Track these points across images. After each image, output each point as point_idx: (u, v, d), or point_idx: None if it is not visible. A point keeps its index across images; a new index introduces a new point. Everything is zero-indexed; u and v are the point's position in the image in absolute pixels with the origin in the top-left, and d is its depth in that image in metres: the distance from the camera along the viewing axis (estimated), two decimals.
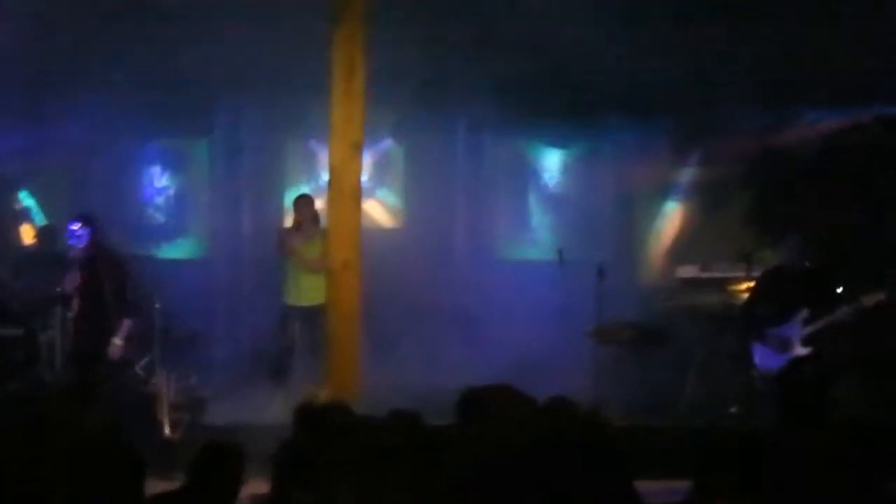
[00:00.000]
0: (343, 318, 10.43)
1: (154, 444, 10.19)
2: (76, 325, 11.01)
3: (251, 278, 13.58)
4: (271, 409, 11.06)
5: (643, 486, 5.73)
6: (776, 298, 10.62)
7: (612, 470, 5.67)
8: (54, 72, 13.08)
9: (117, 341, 10.73)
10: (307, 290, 12.18)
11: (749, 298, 11.25)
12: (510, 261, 15.48)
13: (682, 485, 5.39)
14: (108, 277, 10.80)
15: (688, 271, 13.36)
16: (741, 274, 12.35)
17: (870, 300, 10.08)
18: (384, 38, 10.77)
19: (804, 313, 10.35)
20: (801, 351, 10.37)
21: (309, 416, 6.20)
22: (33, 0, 11.81)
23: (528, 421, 6.01)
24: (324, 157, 10.88)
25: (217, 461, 6.11)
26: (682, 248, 14.91)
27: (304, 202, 12.89)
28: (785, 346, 10.45)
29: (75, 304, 10.95)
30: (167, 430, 10.92)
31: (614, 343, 12.66)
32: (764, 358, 10.63)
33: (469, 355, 12.83)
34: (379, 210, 15.31)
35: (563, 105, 14.04)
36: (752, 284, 11.73)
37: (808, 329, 10.31)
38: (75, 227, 10.91)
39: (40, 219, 14.57)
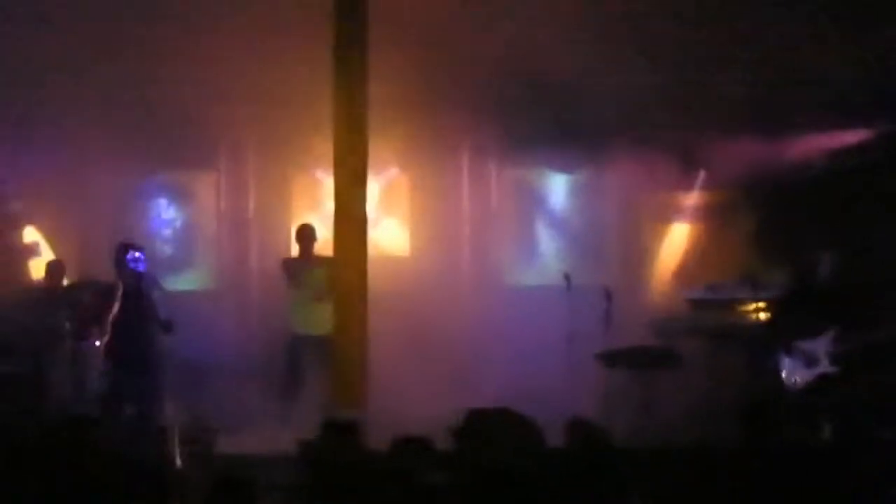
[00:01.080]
0: (350, 347, 10.43)
1: (165, 476, 10.17)
2: (120, 350, 11.28)
3: (259, 308, 13.57)
4: (281, 440, 11.08)
5: None
6: (806, 312, 10.58)
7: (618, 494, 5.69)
8: (58, 103, 13.10)
9: None
10: (314, 320, 12.19)
11: (779, 311, 11.18)
12: (517, 287, 15.46)
13: None
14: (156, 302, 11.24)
15: (695, 293, 13.32)
16: (748, 295, 12.34)
17: None
18: (386, 67, 10.80)
19: (834, 330, 10.33)
20: (828, 368, 10.34)
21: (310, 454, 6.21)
22: (34, 32, 11.90)
23: (528, 444, 6.03)
24: (330, 187, 10.87)
25: (231, 495, 6.10)
26: (689, 270, 14.92)
27: (305, 232, 12.95)
28: (812, 361, 10.42)
29: (119, 329, 11.28)
30: (178, 462, 10.89)
31: (623, 367, 12.61)
32: (791, 372, 10.59)
33: (478, 381, 12.84)
34: (386, 238, 15.31)
35: (567, 130, 14.06)
36: (760, 304, 11.75)
37: (836, 347, 10.29)
38: (136, 253, 11.34)
39: (47, 254, 14.57)
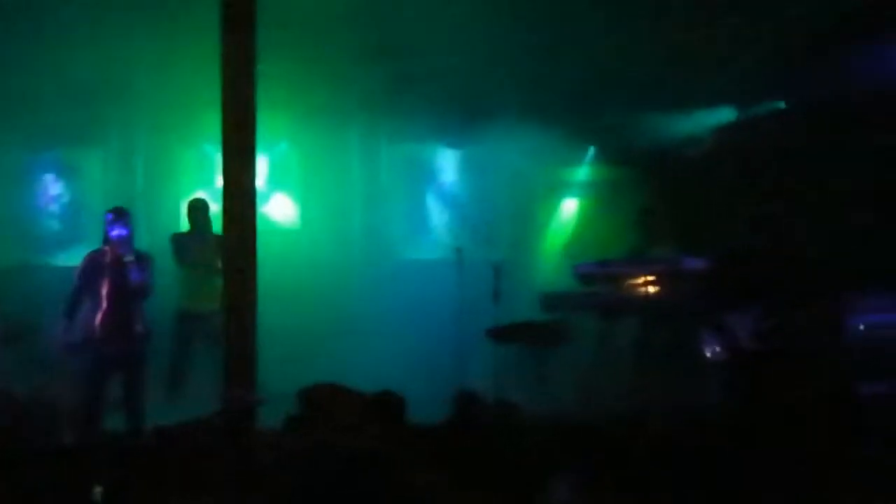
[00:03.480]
0: (239, 322, 10.34)
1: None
2: (106, 328, 10.79)
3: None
4: (168, 416, 11.02)
5: None
6: (731, 287, 10.59)
7: None
8: None
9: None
10: (203, 295, 12.13)
11: (706, 284, 11.14)
12: (409, 261, 15.50)
13: None
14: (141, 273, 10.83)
15: (586, 268, 13.39)
16: (637, 269, 12.45)
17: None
18: (275, 42, 10.74)
19: (758, 307, 10.38)
20: (750, 345, 10.39)
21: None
22: None
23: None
24: (219, 162, 10.78)
25: None
26: (580, 246, 15.04)
27: (197, 206, 12.84)
28: (734, 338, 10.45)
29: (104, 304, 10.78)
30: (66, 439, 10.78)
31: (514, 343, 12.66)
32: (712, 347, 10.62)
33: (368, 356, 12.85)
34: (275, 212, 15.25)
35: (457, 106, 14.09)
36: (648, 279, 11.89)
37: (759, 324, 10.33)
38: (120, 218, 10.90)
39: None
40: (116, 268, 10.76)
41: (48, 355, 11.28)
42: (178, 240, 12.75)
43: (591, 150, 15.40)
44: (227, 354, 10.41)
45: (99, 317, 10.73)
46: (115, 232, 10.78)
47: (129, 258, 10.72)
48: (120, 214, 10.93)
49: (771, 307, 10.26)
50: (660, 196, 14.01)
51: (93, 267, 10.84)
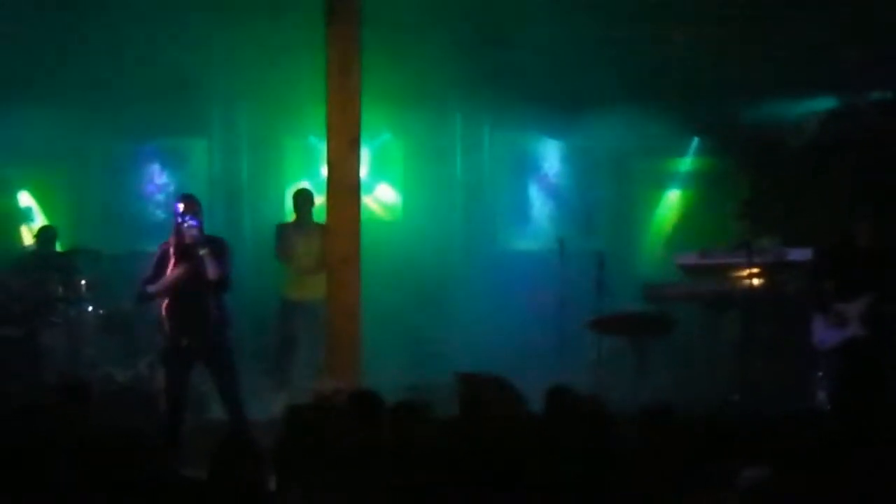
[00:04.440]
0: (343, 313, 10.42)
1: (157, 440, 10.16)
2: (177, 321, 10.07)
3: (252, 274, 13.56)
4: (272, 405, 11.11)
5: None
6: (842, 273, 10.54)
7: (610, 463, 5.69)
8: (49, 71, 13.08)
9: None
10: (307, 285, 12.19)
11: (815, 272, 11.09)
12: (511, 252, 15.51)
13: None
14: (218, 262, 10.04)
15: (688, 258, 13.31)
16: (741, 260, 12.35)
17: None
18: (379, 32, 10.80)
19: (869, 293, 10.32)
20: (859, 330, 10.32)
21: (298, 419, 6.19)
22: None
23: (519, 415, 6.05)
24: (323, 153, 10.84)
25: (239, 458, 6.04)
26: (682, 236, 14.98)
27: (303, 197, 12.90)
28: (844, 323, 10.39)
29: (173, 297, 10.04)
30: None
31: (615, 334, 12.63)
32: (821, 333, 10.56)
33: (470, 346, 12.91)
34: (378, 203, 15.32)
35: (560, 96, 14.06)
36: (754, 270, 11.83)
37: (870, 309, 10.25)
38: (189, 207, 10.10)
39: (39, 219, 14.63)
40: (186, 259, 10.02)
41: (151, 341, 11.41)
42: (283, 231, 12.82)
43: (695, 141, 15.31)
44: (330, 343, 10.51)
45: (169, 310, 10.07)
46: (185, 223, 10.00)
47: (202, 250, 9.98)
48: (189, 204, 10.17)
49: (881, 294, 10.21)
50: (763, 187, 13.91)
51: (163, 259, 10.12)
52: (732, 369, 12.15)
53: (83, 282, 12.48)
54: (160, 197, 15.29)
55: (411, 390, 10.90)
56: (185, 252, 10.03)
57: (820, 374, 11.14)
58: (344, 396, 7.20)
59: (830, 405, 10.63)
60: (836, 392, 10.55)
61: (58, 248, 13.36)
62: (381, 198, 15.40)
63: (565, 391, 6.70)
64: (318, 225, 12.20)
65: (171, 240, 10.12)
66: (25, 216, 14.88)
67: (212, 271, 9.96)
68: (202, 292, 10.01)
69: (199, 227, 10.05)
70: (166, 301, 10.07)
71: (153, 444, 5.99)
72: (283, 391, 11.92)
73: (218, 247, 10.21)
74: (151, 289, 10.11)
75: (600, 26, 12.48)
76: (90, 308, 12.54)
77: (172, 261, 10.03)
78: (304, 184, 13.77)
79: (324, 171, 11.13)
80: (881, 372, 10.21)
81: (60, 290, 12.46)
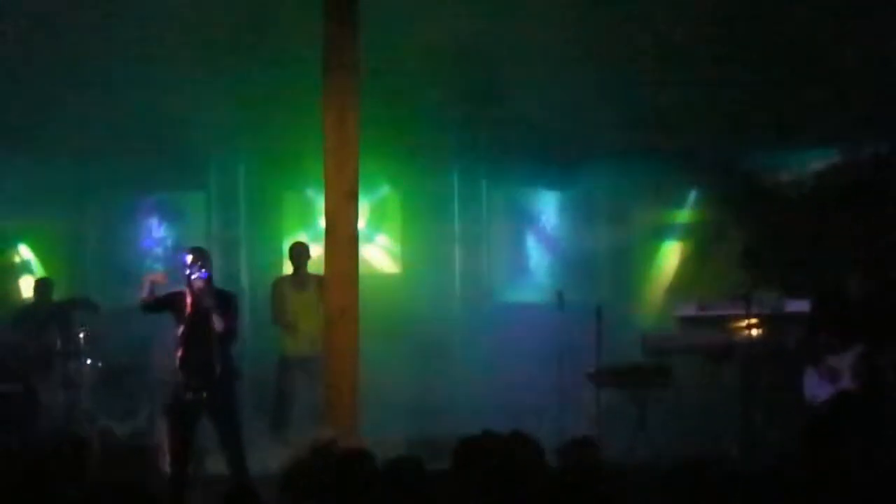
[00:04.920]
0: (341, 366, 10.37)
1: (157, 495, 10.10)
2: (184, 372, 10.03)
3: (249, 327, 13.55)
4: (271, 460, 11.06)
5: None
6: (835, 327, 10.52)
7: None
8: (47, 124, 13.10)
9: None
10: (304, 340, 12.17)
11: (810, 324, 11.11)
12: (509, 304, 15.47)
13: None
14: (223, 314, 10.02)
15: (686, 310, 13.29)
16: (739, 312, 12.34)
17: None
18: (376, 86, 10.82)
19: (860, 346, 10.29)
20: (850, 383, 10.29)
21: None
22: (29, 46, 11.90)
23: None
24: (321, 205, 10.84)
25: None
26: (680, 288, 14.95)
27: (298, 250, 12.92)
28: (835, 376, 10.36)
29: (181, 348, 10.03)
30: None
31: (615, 386, 12.59)
32: (814, 388, 10.54)
33: (470, 399, 12.86)
34: (377, 256, 15.31)
35: (557, 149, 14.08)
36: (753, 321, 11.83)
37: (860, 362, 10.23)
38: (198, 259, 10.09)
39: (38, 272, 14.62)
40: (195, 312, 10.00)
41: (150, 395, 11.38)
42: (279, 288, 12.82)
43: (693, 193, 15.32)
44: (329, 395, 10.46)
45: (177, 361, 10.05)
46: (194, 275, 9.97)
47: (209, 303, 9.96)
48: (198, 256, 10.17)
49: (873, 347, 10.19)
50: (762, 237, 13.91)
51: (169, 305, 10.12)
52: (731, 421, 12.12)
53: (81, 335, 12.46)
54: (158, 250, 15.29)
55: (410, 445, 10.88)
56: (195, 305, 9.99)
57: None
58: (339, 447, 7.16)
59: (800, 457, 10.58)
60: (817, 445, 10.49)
61: (55, 300, 13.35)
62: (379, 251, 15.39)
63: (587, 444, 6.70)
64: (315, 276, 12.22)
65: (184, 291, 10.07)
66: (24, 269, 14.87)
67: (218, 324, 9.94)
68: (209, 345, 9.97)
69: (208, 279, 10.03)
70: (179, 352, 10.04)
71: (154, 500, 5.95)
72: (281, 446, 11.87)
73: (225, 300, 10.22)
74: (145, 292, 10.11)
75: (596, 79, 12.50)
76: (88, 361, 12.50)
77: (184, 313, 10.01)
78: (301, 237, 13.79)
79: (322, 223, 11.14)
80: (871, 424, 10.17)
81: (59, 343, 12.44)
